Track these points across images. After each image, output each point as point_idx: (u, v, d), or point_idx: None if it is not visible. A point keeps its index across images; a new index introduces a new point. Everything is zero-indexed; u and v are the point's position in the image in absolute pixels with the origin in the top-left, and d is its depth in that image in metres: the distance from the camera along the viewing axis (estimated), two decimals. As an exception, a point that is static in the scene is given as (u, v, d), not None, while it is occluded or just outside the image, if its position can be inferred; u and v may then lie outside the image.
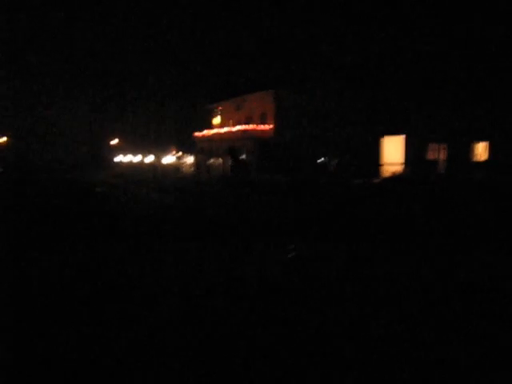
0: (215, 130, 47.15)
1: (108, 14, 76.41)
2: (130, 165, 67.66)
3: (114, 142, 70.19)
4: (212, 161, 43.32)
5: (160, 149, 65.42)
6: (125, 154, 70.42)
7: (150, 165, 63.37)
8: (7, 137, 57.62)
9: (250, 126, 41.73)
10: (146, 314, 4.60)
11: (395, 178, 30.32)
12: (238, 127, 42.46)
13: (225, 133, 44.50)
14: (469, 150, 31.56)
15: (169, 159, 63.84)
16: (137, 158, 70.21)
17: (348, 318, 4.49)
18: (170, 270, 6.30)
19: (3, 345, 3.98)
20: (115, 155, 69.81)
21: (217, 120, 49.49)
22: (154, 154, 66.73)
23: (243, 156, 38.67)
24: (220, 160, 40.76)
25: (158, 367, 3.55)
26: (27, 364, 3.62)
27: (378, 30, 34.47)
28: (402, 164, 32.85)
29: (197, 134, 50.21)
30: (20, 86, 56.83)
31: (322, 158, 36.04)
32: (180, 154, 57.63)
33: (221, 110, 49.15)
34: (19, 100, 56.98)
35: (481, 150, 31.48)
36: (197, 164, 49.70)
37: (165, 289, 5.47)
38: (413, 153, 32.60)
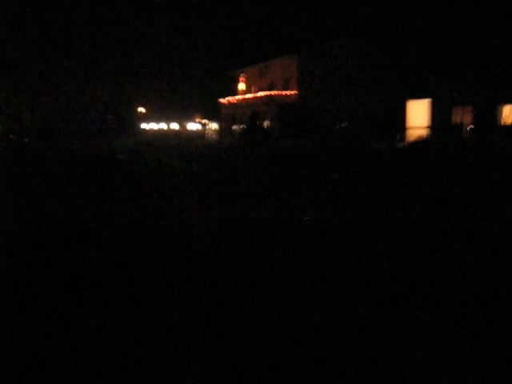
0: (239, 97, 46.97)
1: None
2: (157, 132, 68.22)
3: (141, 109, 70.64)
4: (235, 127, 43.29)
5: (185, 116, 65.66)
6: (151, 121, 70.92)
7: (176, 132, 63.78)
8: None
9: (274, 92, 41.47)
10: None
11: (420, 142, 29.79)
12: (262, 93, 42.20)
13: (249, 98, 44.30)
14: (496, 113, 30.76)
15: (194, 126, 64.12)
16: (163, 126, 70.66)
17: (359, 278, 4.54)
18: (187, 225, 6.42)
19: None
20: (142, 123, 70.38)
21: (241, 86, 49.21)
22: (180, 122, 67.05)
23: (266, 121, 38.52)
24: (243, 126, 40.72)
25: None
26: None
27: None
28: (427, 128, 32.25)
29: (221, 100, 50.11)
30: (48, 53, 57.28)
31: (343, 124, 35.61)
32: (205, 120, 57.77)
33: (244, 77, 48.80)
34: (47, 69, 57.48)
35: (509, 113, 30.62)
36: (221, 130, 49.78)
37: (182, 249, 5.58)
38: (438, 116, 31.96)
